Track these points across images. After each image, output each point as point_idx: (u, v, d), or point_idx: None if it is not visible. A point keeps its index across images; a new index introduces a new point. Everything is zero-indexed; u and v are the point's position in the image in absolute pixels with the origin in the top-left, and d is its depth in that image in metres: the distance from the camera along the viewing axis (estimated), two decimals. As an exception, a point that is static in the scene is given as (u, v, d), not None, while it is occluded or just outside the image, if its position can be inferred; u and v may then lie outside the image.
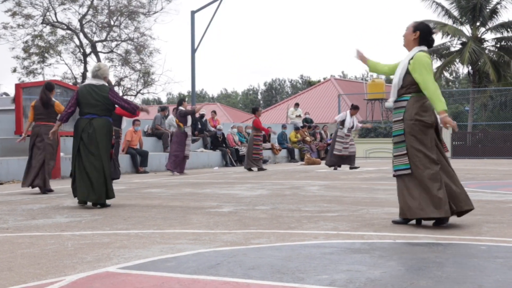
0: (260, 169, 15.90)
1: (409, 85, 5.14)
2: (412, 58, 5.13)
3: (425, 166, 4.99)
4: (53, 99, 9.63)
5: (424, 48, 5.22)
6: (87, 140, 7.14)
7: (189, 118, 14.67)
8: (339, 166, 15.64)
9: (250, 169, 15.97)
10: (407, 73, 5.14)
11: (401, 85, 5.19)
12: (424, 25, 5.26)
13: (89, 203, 7.27)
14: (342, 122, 15.45)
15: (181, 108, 14.62)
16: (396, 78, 5.21)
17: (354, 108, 15.58)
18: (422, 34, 5.20)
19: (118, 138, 12.31)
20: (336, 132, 15.68)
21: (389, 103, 5.42)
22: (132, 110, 7.53)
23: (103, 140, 7.19)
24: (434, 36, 5.30)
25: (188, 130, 14.66)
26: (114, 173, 12.11)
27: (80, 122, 7.26)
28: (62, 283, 3.20)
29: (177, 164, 14.46)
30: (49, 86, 9.68)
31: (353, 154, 15.52)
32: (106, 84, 7.46)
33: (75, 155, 7.28)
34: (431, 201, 4.92)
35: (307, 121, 25.52)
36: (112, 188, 7.29)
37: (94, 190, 7.07)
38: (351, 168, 15.52)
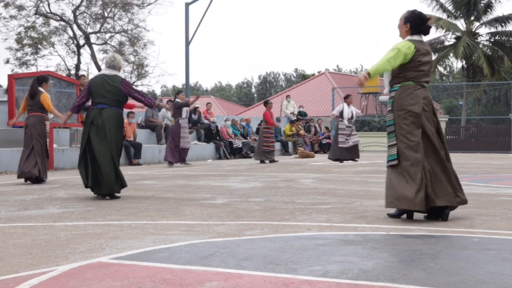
0: (272, 161, 15.98)
1: (397, 74, 5.15)
2: None
3: (407, 157, 4.96)
4: (42, 90, 9.62)
5: (416, 37, 5.17)
6: (96, 131, 7.05)
7: (185, 110, 14.66)
8: (342, 161, 15.56)
9: (262, 161, 16.00)
10: None
11: (391, 76, 5.21)
12: (415, 16, 5.21)
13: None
14: (341, 114, 15.46)
15: (177, 100, 14.63)
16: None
17: (347, 97, 15.65)
18: (412, 25, 5.18)
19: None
20: (337, 125, 15.68)
21: (383, 97, 5.44)
22: (148, 104, 7.39)
23: (112, 131, 7.08)
24: (429, 23, 5.23)
25: (184, 122, 14.65)
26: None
27: (91, 112, 7.17)
28: (54, 273, 3.19)
29: (174, 154, 14.53)
30: (40, 79, 9.74)
31: (356, 144, 15.62)
32: (119, 75, 7.33)
33: (84, 146, 7.14)
34: (406, 192, 4.89)
35: (301, 114, 25.50)
36: (123, 178, 7.19)
37: (103, 183, 6.99)
38: (354, 160, 15.59)
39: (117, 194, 7.15)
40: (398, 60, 5.04)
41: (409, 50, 5.05)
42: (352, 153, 15.58)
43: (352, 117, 15.60)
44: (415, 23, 5.19)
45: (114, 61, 7.35)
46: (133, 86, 7.37)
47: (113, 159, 7.05)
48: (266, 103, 16.66)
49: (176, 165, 14.50)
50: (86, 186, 7.13)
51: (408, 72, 5.09)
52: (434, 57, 36.32)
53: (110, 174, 7.00)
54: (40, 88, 9.58)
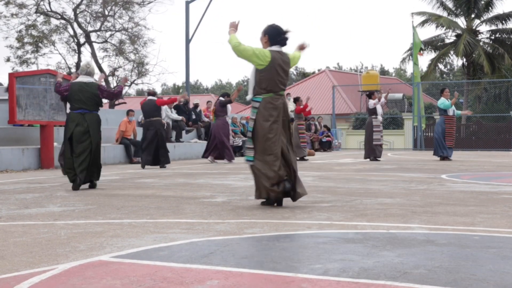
0: (302, 158, 15.68)
1: (259, 85, 5.73)
2: None
3: (263, 159, 5.66)
4: None
5: (274, 48, 5.76)
6: (81, 133, 7.99)
7: (229, 107, 15.14)
8: (376, 157, 15.47)
9: (302, 158, 15.72)
10: (255, 71, 5.73)
11: (254, 84, 5.76)
12: (272, 29, 5.82)
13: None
14: (374, 111, 15.34)
15: (221, 98, 15.01)
16: (251, 77, 5.81)
17: (373, 94, 15.56)
18: (270, 37, 5.79)
19: (162, 127, 12.75)
20: (371, 122, 15.40)
21: (249, 96, 5.85)
22: (119, 95, 8.87)
23: (95, 133, 8.09)
24: (287, 34, 5.81)
25: (227, 119, 15.19)
26: (164, 160, 12.68)
27: (73, 115, 8.09)
28: (55, 272, 3.19)
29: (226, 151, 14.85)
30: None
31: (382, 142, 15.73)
32: (94, 81, 8.26)
33: (67, 144, 8.12)
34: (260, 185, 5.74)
35: (301, 112, 25.49)
36: (99, 173, 8.29)
37: (88, 172, 8.01)
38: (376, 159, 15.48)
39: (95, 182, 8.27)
40: (247, 54, 5.66)
41: (262, 56, 5.66)
42: (380, 151, 15.57)
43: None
44: (272, 35, 5.80)
45: (89, 67, 8.34)
46: (103, 88, 8.31)
47: (96, 157, 8.10)
48: (297, 100, 16.81)
49: (208, 160, 14.98)
50: (72, 180, 8.02)
51: (267, 84, 5.70)
52: (434, 55, 36.37)
53: (92, 167, 8.05)
54: None
